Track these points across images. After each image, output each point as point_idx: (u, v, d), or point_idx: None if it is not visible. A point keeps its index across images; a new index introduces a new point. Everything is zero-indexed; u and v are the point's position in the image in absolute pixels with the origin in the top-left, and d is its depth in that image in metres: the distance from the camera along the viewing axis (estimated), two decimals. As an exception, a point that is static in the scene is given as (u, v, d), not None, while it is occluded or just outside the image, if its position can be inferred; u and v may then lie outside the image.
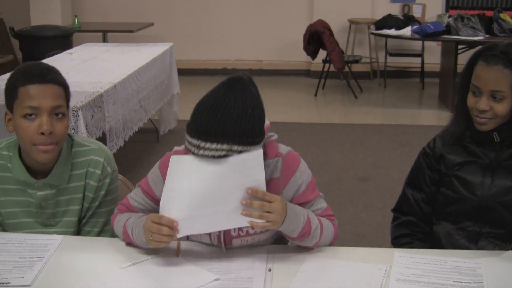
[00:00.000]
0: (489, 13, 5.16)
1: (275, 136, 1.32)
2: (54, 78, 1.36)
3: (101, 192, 1.45)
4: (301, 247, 1.33)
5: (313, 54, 5.43)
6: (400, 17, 5.49)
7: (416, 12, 5.90)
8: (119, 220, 1.37)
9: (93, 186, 1.44)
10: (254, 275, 1.23)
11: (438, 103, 5.28)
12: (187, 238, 1.39)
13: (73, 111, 2.44)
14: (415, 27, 5.00)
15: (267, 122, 1.28)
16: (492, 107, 1.41)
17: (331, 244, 1.36)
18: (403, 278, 1.22)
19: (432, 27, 4.83)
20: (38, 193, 1.41)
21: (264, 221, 1.20)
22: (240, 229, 1.30)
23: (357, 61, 5.64)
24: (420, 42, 5.71)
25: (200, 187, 1.18)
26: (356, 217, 2.98)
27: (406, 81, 6.11)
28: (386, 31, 5.21)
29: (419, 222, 1.57)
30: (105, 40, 5.58)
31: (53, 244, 1.35)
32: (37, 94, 1.32)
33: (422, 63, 5.85)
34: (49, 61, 3.26)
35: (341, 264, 1.28)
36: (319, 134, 4.38)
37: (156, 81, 3.75)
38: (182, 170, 1.19)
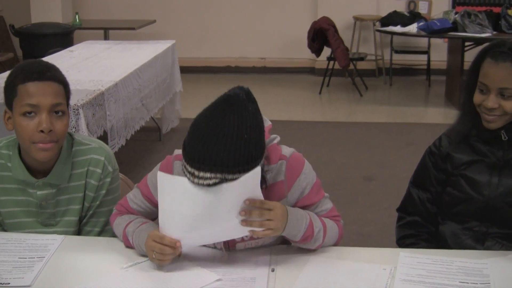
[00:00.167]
0: (496, 10, 5.11)
1: (277, 139, 1.30)
2: (54, 75, 1.35)
3: (102, 192, 1.44)
4: (304, 248, 1.31)
5: (317, 52, 5.41)
6: (406, 13, 5.45)
7: (422, 8, 5.86)
8: (119, 224, 1.36)
9: (94, 185, 1.43)
10: (257, 275, 1.22)
11: (445, 101, 5.24)
12: None
13: (74, 109, 2.44)
14: (421, 24, 4.97)
15: (268, 123, 1.26)
16: (500, 105, 1.39)
17: (335, 244, 1.35)
18: (408, 279, 1.21)
19: (438, 24, 4.80)
20: (38, 192, 1.40)
21: (265, 229, 1.19)
22: None
23: (362, 59, 5.62)
24: (426, 39, 5.68)
25: (197, 210, 1.18)
26: (361, 217, 2.96)
27: (412, 79, 6.08)
28: (391, 28, 5.18)
29: (424, 222, 1.55)
30: (106, 37, 5.57)
31: (53, 244, 1.35)
32: (36, 92, 1.31)
33: (428, 60, 5.81)
34: (49, 59, 3.22)
35: (345, 264, 1.27)
36: (323, 132, 4.36)
37: (158, 79, 3.74)
38: (176, 192, 1.18)
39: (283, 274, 1.23)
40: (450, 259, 1.28)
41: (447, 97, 5.27)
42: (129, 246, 1.33)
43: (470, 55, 4.38)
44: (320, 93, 5.55)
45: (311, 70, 6.25)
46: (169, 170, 1.28)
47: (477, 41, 4.76)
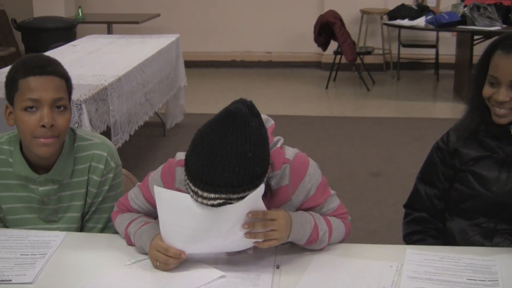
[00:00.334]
0: (506, 2, 5.04)
1: (281, 141, 1.27)
2: (55, 69, 1.34)
3: (105, 187, 1.43)
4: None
5: (324, 46, 5.38)
6: (414, 7, 5.40)
7: (430, 1, 5.80)
8: (121, 222, 1.35)
9: (96, 181, 1.42)
10: (261, 272, 1.21)
11: (453, 96, 5.19)
12: None
13: (76, 104, 2.42)
14: (429, 17, 4.93)
15: (271, 123, 1.23)
16: (511, 98, 1.36)
17: (342, 241, 1.34)
18: (415, 276, 1.19)
19: (447, 17, 4.75)
20: (40, 188, 1.40)
21: (270, 239, 1.18)
22: None
23: (369, 53, 5.57)
24: (434, 33, 5.64)
25: (199, 225, 1.16)
26: (368, 214, 2.94)
27: (420, 73, 6.03)
28: (399, 22, 5.14)
29: (431, 219, 1.53)
30: (109, 31, 5.55)
31: (55, 240, 1.34)
32: (38, 86, 1.30)
33: (437, 54, 5.76)
34: (52, 53, 3.23)
35: (351, 261, 1.25)
36: (330, 128, 4.33)
37: (162, 74, 3.72)
38: (176, 207, 1.17)
39: (288, 271, 1.22)
40: (457, 255, 1.27)
41: (456, 92, 5.22)
42: (131, 244, 1.32)
43: (479, 49, 4.32)
44: (326, 87, 5.52)
45: (318, 65, 6.22)
46: (171, 177, 1.26)
47: (486, 35, 4.71)
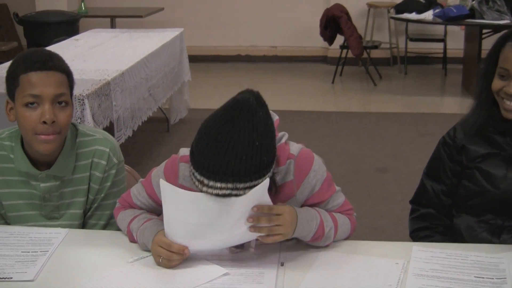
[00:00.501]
0: (515, -5, 4.96)
1: (285, 137, 1.25)
2: (56, 65, 1.32)
3: (107, 184, 1.42)
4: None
5: (330, 40, 5.34)
6: (422, 0, 5.34)
7: (438, -5, 5.73)
8: (123, 219, 1.34)
9: (99, 177, 1.41)
10: (265, 269, 1.20)
11: (461, 91, 5.14)
12: None
13: (79, 99, 2.40)
14: (437, 10, 4.88)
15: (276, 117, 1.22)
16: (522, 90, 1.34)
17: (348, 238, 1.33)
18: (422, 273, 1.18)
19: (455, 11, 4.69)
20: (42, 184, 1.39)
21: (275, 234, 1.17)
22: None
23: (376, 47, 5.53)
24: (442, 27, 5.58)
25: (204, 220, 1.16)
26: (374, 210, 2.92)
27: (428, 68, 5.98)
28: (406, 15, 5.09)
29: (438, 215, 1.52)
30: (113, 25, 5.53)
31: (57, 237, 1.33)
32: (39, 82, 1.29)
33: (445, 48, 5.71)
34: (54, 48, 3.20)
35: (357, 258, 1.24)
36: (336, 123, 4.31)
37: (166, 69, 3.70)
38: (181, 203, 1.16)
39: (293, 268, 1.20)
40: (464, 253, 1.25)
41: (464, 87, 5.18)
42: (133, 241, 1.31)
43: (488, 43, 4.25)
44: (332, 82, 5.49)
45: (324, 59, 6.18)
46: (174, 173, 1.25)
47: (495, 28, 4.65)
